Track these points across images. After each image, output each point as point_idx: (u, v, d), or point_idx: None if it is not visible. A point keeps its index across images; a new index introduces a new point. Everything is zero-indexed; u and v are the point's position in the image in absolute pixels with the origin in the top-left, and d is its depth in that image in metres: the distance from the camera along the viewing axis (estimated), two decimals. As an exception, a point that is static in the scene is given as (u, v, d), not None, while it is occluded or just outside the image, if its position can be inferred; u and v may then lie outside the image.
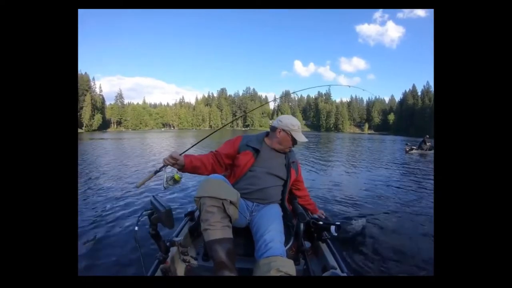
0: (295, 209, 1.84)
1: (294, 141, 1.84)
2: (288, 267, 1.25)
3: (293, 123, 1.83)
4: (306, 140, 1.85)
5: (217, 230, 1.32)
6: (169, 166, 1.64)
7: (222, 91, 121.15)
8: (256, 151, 1.77)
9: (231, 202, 1.36)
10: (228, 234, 1.36)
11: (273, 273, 1.20)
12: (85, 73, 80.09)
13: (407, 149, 15.05)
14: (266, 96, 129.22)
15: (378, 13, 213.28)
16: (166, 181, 1.61)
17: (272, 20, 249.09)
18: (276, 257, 1.29)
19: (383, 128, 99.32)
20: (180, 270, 1.60)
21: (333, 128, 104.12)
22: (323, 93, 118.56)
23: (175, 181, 1.61)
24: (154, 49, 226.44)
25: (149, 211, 1.35)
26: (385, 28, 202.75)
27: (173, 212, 1.29)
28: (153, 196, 1.37)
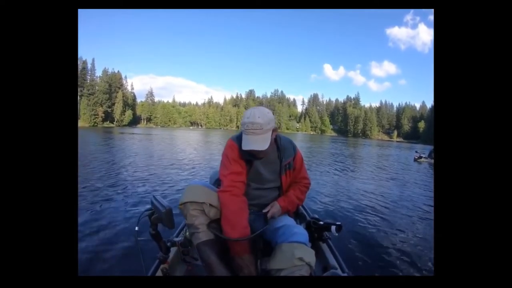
0: (296, 210, 1.82)
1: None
2: (311, 258, 1.25)
3: (243, 120, 1.40)
4: (249, 148, 1.33)
5: (203, 232, 1.33)
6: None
7: (251, 93, 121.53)
8: (249, 163, 1.51)
9: (210, 205, 1.36)
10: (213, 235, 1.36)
11: (295, 261, 1.20)
12: (118, 71, 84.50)
13: (416, 157, 14.38)
14: (294, 99, 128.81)
15: (409, 15, 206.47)
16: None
17: (301, 22, 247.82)
18: (301, 244, 1.28)
19: (412, 136, 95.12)
20: (181, 270, 1.62)
21: (360, 134, 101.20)
22: (352, 97, 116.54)
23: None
24: (186, 49, 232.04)
25: (149, 211, 1.36)
26: (417, 31, 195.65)
27: (174, 212, 1.30)
28: (153, 196, 1.39)
